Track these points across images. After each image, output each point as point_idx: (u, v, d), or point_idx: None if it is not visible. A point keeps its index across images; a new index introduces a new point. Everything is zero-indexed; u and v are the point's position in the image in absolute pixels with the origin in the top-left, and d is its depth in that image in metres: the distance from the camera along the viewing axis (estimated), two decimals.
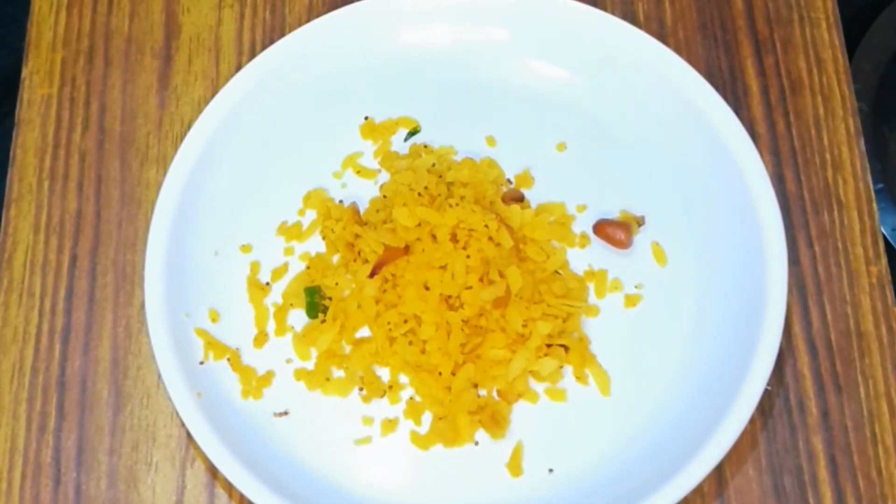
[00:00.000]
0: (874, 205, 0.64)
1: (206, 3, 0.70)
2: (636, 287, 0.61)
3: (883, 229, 0.67)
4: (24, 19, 0.70)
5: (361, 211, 0.63)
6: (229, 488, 0.59)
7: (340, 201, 0.64)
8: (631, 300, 0.61)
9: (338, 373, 0.60)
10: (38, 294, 0.63)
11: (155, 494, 0.59)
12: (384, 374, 0.60)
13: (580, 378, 0.59)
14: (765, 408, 0.60)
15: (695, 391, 0.58)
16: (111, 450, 0.60)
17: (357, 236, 0.61)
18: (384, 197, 0.63)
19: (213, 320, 0.61)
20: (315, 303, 0.61)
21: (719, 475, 0.58)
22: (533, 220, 0.62)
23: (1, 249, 0.64)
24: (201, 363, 0.59)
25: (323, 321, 0.61)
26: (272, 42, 0.65)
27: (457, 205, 0.60)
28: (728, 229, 0.61)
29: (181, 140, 0.63)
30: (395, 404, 0.59)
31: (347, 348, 0.60)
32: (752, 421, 0.56)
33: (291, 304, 0.61)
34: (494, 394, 0.59)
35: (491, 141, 0.65)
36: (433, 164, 0.63)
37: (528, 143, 0.65)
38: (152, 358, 0.59)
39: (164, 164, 0.66)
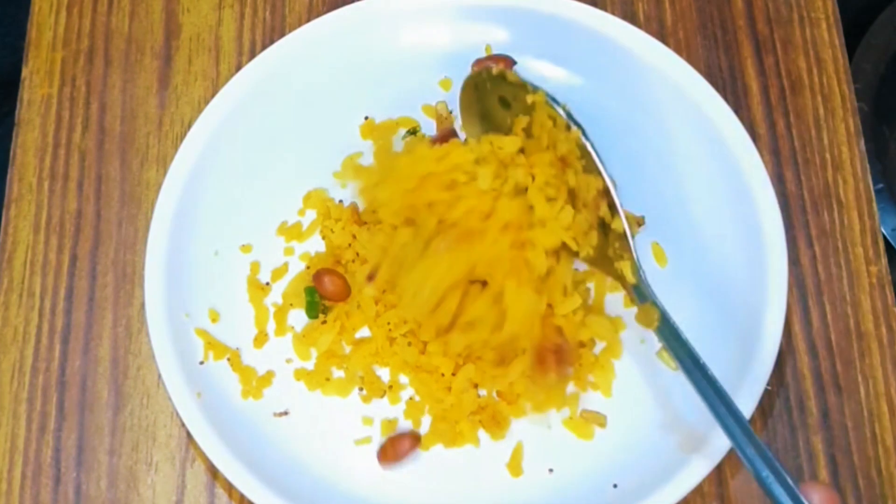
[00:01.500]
0: (874, 205, 0.64)
1: (206, 2, 0.70)
2: None
3: (883, 229, 0.67)
4: (24, 19, 0.70)
5: (361, 210, 0.63)
6: (229, 488, 0.59)
7: (340, 201, 0.64)
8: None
9: (338, 373, 0.60)
10: (38, 294, 0.63)
11: (155, 494, 0.59)
12: (384, 373, 0.60)
13: (581, 387, 0.59)
14: (765, 408, 0.60)
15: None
16: (111, 450, 0.60)
17: (354, 237, 0.61)
18: None
19: (213, 320, 0.61)
20: (315, 303, 0.61)
21: (719, 475, 0.58)
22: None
23: (1, 249, 0.64)
24: (201, 363, 0.59)
25: (324, 322, 0.61)
26: (272, 42, 0.65)
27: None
28: (728, 229, 0.61)
29: (181, 140, 0.63)
30: (395, 404, 0.59)
31: (347, 348, 0.60)
32: (752, 421, 0.56)
33: (291, 304, 0.61)
34: (494, 394, 0.59)
35: None
36: None
37: None
38: (152, 358, 0.59)
39: (164, 164, 0.66)
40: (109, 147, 0.67)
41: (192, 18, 0.70)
